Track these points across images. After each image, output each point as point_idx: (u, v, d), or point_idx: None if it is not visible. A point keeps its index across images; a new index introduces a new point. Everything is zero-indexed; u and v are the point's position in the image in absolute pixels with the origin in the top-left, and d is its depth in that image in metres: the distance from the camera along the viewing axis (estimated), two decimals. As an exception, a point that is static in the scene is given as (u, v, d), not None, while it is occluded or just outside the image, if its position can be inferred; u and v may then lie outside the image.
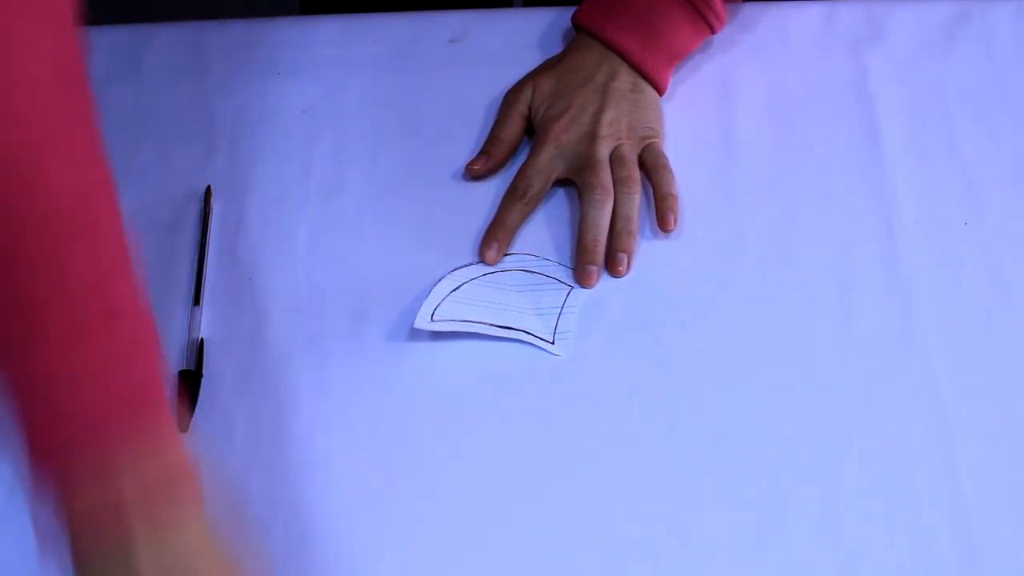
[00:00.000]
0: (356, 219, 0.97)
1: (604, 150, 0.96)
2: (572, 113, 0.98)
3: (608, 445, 0.87)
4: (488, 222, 0.96)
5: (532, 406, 0.88)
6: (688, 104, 1.02)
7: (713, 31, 1.01)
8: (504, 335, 0.91)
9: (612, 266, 0.94)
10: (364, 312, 0.92)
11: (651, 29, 0.99)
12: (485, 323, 0.91)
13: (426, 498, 0.85)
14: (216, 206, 0.97)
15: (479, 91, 1.02)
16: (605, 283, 0.94)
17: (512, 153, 0.99)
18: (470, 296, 0.92)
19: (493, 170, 0.99)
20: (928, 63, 1.04)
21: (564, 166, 0.97)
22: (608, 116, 0.97)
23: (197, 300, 0.92)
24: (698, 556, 0.83)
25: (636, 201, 0.95)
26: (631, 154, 0.97)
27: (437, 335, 0.91)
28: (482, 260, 0.94)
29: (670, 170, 0.97)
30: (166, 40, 1.06)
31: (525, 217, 0.96)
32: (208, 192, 0.97)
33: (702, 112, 1.02)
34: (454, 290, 0.92)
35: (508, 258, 0.95)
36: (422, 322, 0.90)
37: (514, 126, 0.99)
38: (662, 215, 0.96)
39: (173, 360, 0.89)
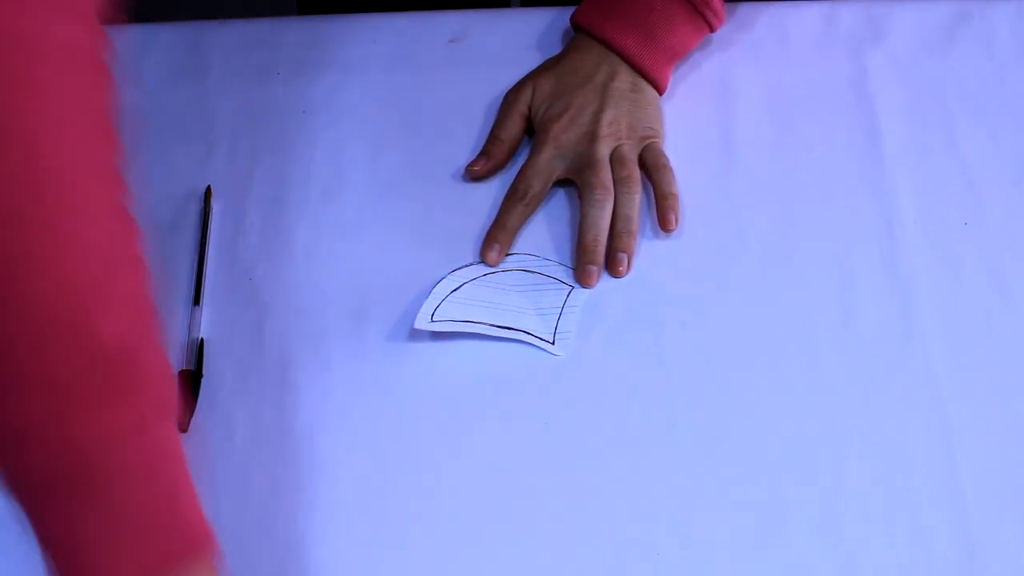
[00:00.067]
0: (356, 219, 0.97)
1: (604, 150, 0.96)
2: (572, 113, 0.98)
3: (608, 445, 0.87)
4: (488, 222, 0.96)
5: (532, 406, 0.88)
6: (688, 104, 1.02)
7: (712, 29, 1.01)
8: (504, 335, 0.91)
9: (612, 266, 0.94)
10: (364, 312, 0.92)
11: (650, 28, 0.99)
12: (485, 323, 0.91)
13: (426, 498, 0.85)
14: (216, 206, 0.97)
15: (479, 91, 1.02)
16: (605, 283, 0.94)
17: (512, 153, 0.99)
18: (470, 296, 0.92)
19: (493, 171, 0.99)
20: (928, 63, 1.04)
21: (564, 166, 0.97)
22: (608, 116, 0.97)
23: (197, 300, 0.92)
24: (698, 556, 0.83)
25: (636, 201, 0.95)
26: (631, 154, 0.97)
27: (437, 335, 0.91)
28: (483, 261, 0.94)
29: (671, 170, 0.97)
30: (166, 40, 1.06)
31: (526, 218, 0.96)
32: (208, 192, 0.97)
33: (702, 112, 1.02)
34: (454, 290, 0.92)
35: (509, 258, 0.95)
36: (422, 322, 0.90)
37: (514, 126, 0.99)
38: (663, 215, 0.96)
39: (173, 360, 0.89)
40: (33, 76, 0.65)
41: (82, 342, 0.66)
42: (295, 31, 1.07)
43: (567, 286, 0.94)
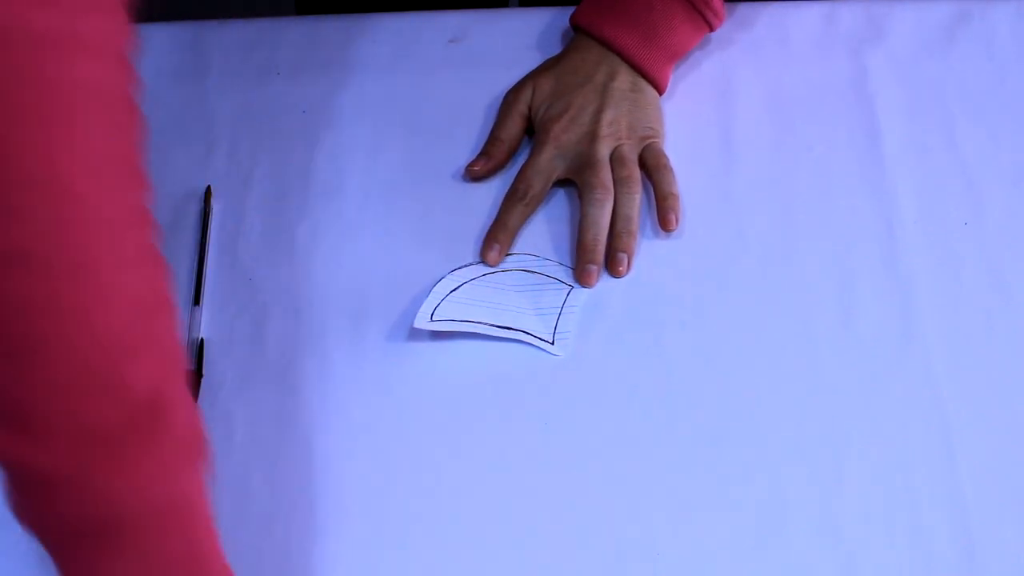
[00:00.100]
0: (356, 219, 0.97)
1: (604, 150, 0.96)
2: (572, 113, 0.98)
3: (608, 445, 0.87)
4: (488, 222, 0.96)
5: (532, 406, 0.88)
6: (688, 104, 1.02)
7: (712, 28, 1.01)
8: (503, 335, 0.91)
9: (612, 266, 0.94)
10: (364, 312, 0.92)
11: (649, 28, 0.99)
12: (485, 323, 0.91)
13: (426, 498, 0.85)
14: (216, 206, 0.97)
15: (479, 91, 1.02)
16: (605, 283, 0.94)
17: (512, 153, 0.99)
18: (470, 296, 0.92)
19: (494, 171, 0.99)
20: (928, 63, 1.04)
21: (564, 166, 0.97)
22: (608, 116, 0.97)
23: (197, 300, 0.92)
24: (698, 556, 0.83)
25: (636, 201, 0.95)
26: (631, 154, 0.97)
27: (437, 335, 0.91)
28: (484, 261, 0.94)
29: (671, 170, 0.97)
30: (166, 40, 1.06)
31: (526, 218, 0.96)
32: (208, 192, 0.97)
33: (702, 112, 1.02)
34: (454, 290, 0.92)
35: (509, 258, 0.95)
36: (422, 322, 0.90)
37: (514, 126, 0.99)
38: (664, 215, 0.96)
39: (173, 360, 0.89)
40: (69, 118, 0.64)
41: (114, 392, 0.66)
42: (295, 31, 1.07)
43: (567, 286, 0.94)
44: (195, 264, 0.94)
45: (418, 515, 0.84)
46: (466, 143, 1.00)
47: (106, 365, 0.65)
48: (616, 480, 0.85)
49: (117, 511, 0.66)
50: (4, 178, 0.63)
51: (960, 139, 1.00)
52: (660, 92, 1.00)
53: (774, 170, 0.99)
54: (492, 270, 0.94)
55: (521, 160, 0.99)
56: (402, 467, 0.86)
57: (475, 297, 0.92)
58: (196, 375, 0.89)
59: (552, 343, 0.91)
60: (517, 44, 1.05)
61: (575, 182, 0.97)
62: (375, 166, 0.99)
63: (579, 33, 1.02)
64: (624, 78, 0.99)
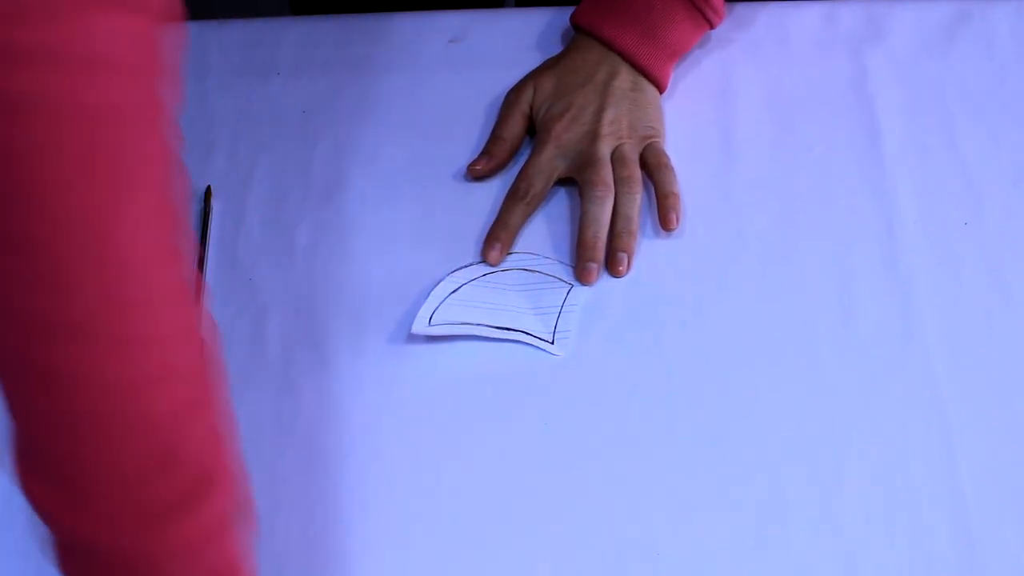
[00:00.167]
0: (356, 219, 0.97)
1: (605, 148, 0.97)
2: (573, 113, 0.98)
3: (608, 445, 0.87)
4: (489, 222, 0.96)
5: (532, 406, 0.88)
6: (688, 104, 1.02)
7: (712, 26, 1.01)
8: (503, 336, 0.91)
9: (612, 266, 0.94)
10: (364, 312, 0.92)
11: (650, 27, 0.99)
12: (483, 325, 0.91)
13: (426, 498, 0.85)
14: (216, 206, 0.97)
15: (479, 91, 1.02)
16: (605, 283, 0.94)
17: (514, 152, 0.99)
18: (469, 298, 0.92)
19: (495, 170, 0.99)
20: (928, 63, 1.04)
21: (565, 165, 0.97)
22: (609, 115, 0.97)
23: (197, 300, 0.92)
24: (698, 556, 0.83)
25: (637, 201, 0.95)
26: (632, 153, 0.97)
27: (436, 335, 0.91)
28: (485, 261, 0.94)
29: (672, 169, 0.97)
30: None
31: (527, 217, 0.96)
32: (208, 192, 0.97)
33: (702, 112, 1.02)
34: (452, 292, 0.92)
35: (509, 257, 0.95)
36: (420, 326, 0.90)
37: (516, 125, 0.99)
38: (664, 214, 0.96)
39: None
40: (127, 187, 0.64)
41: (170, 471, 0.66)
42: (295, 31, 1.07)
43: (567, 284, 0.94)
44: (195, 264, 0.94)
45: (418, 515, 0.84)
46: (466, 143, 1.00)
47: (161, 445, 0.65)
48: (616, 480, 0.85)
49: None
50: (60, 250, 0.62)
51: (960, 139, 1.00)
52: (661, 91, 1.00)
53: (774, 170, 0.99)
54: (492, 270, 0.94)
55: (522, 160, 0.99)
56: (402, 467, 0.86)
57: (474, 298, 0.92)
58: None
59: (552, 342, 0.91)
60: (517, 44, 1.05)
61: (576, 180, 0.97)
62: (375, 166, 0.99)
63: (579, 33, 1.02)
64: (625, 77, 0.99)
